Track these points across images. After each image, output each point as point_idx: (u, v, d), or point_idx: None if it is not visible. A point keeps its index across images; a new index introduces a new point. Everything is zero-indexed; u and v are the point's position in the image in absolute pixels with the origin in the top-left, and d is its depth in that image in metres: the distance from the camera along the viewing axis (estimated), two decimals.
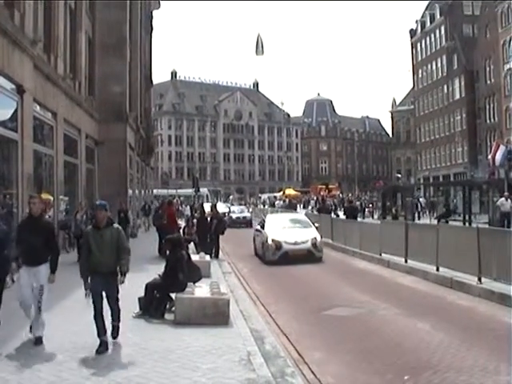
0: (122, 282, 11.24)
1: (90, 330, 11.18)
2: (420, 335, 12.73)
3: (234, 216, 57.29)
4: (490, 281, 16.89)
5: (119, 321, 11.63)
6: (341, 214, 50.90)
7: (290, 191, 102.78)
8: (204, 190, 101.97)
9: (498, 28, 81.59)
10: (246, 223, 55.58)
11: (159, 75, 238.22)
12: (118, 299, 11.48)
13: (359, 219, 40.63)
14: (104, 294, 11.18)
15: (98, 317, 11.08)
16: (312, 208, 71.54)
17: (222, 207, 70.09)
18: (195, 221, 29.83)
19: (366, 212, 65.12)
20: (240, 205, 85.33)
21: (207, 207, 68.04)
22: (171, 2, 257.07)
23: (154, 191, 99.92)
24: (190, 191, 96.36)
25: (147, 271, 18.59)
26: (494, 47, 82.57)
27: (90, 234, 11.26)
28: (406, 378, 9.83)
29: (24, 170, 22.20)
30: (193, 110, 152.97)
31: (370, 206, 70.61)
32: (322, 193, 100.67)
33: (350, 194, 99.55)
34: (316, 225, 30.48)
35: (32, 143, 23.64)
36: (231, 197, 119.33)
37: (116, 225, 11.54)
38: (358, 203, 76.08)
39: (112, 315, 11.50)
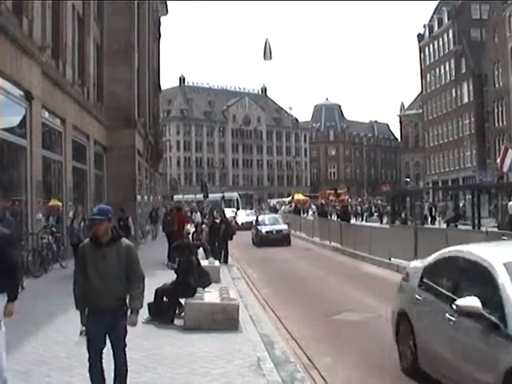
0: (134, 323, 8.06)
1: None
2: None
3: (263, 230, 42.40)
4: None
5: (126, 379, 8.33)
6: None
7: (298, 196, 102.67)
8: (234, 195, 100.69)
9: (507, 32, 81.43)
10: (281, 240, 41.20)
11: (167, 81, 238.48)
12: (125, 346, 8.25)
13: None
14: (107, 338, 8.06)
15: (96, 373, 8.07)
16: (314, 213, 71.54)
17: (243, 215, 66.53)
18: (204, 226, 29.84)
19: (375, 216, 65.03)
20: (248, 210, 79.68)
21: (228, 213, 65.71)
22: (179, 8, 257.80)
23: (180, 197, 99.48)
24: (217, 196, 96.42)
25: (157, 277, 18.57)
26: (502, 51, 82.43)
27: (88, 252, 7.91)
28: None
29: (33, 176, 22.27)
30: (201, 116, 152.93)
31: (379, 210, 70.51)
32: (330, 197, 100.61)
33: (349, 199, 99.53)
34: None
35: (41, 149, 23.71)
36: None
37: (126, 240, 8.07)
38: (364, 207, 76.41)
39: (116, 370, 8.20)
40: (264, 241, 41.12)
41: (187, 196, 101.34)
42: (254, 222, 46.90)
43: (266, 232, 42.08)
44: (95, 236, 7.89)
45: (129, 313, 8.00)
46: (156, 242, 38.97)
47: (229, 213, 67.50)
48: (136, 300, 7.93)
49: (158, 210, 47.83)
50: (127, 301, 7.96)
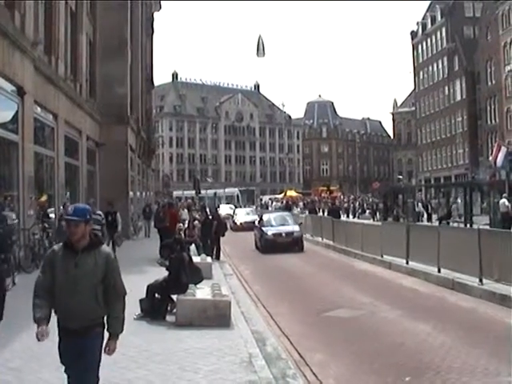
0: (111, 351, 6.68)
1: None
2: (421, 336, 12.71)
3: (269, 232, 35.10)
4: (491, 282, 16.88)
5: None
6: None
7: (291, 193, 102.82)
8: (234, 190, 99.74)
9: (499, 30, 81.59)
10: (292, 244, 34.52)
11: (160, 77, 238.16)
12: (97, 381, 6.69)
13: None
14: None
15: None
16: (301, 209, 72.28)
17: (242, 214, 60.48)
18: (196, 222, 29.83)
19: (367, 213, 65.06)
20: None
21: (225, 209, 63.09)
22: (172, 3, 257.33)
23: (180, 192, 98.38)
24: (221, 191, 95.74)
25: (148, 273, 18.61)
26: (495, 49, 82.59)
27: (58, 258, 6.51)
28: (407, 379, 9.82)
29: (25, 171, 22.21)
30: (194, 112, 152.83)
31: (372, 207, 70.52)
32: (323, 194, 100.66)
33: (342, 196, 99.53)
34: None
35: (33, 145, 23.64)
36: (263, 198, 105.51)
37: (106, 248, 6.81)
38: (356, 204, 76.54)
39: None
40: (270, 246, 34.02)
41: (187, 192, 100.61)
42: (256, 222, 39.71)
43: (273, 235, 34.67)
44: (69, 240, 6.46)
45: (106, 338, 6.58)
46: (149, 238, 38.67)
47: (226, 209, 66.07)
48: (115, 322, 6.57)
49: (151, 206, 47.20)
50: (104, 321, 6.55)
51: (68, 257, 6.36)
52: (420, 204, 56.00)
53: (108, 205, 27.78)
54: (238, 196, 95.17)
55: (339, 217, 45.39)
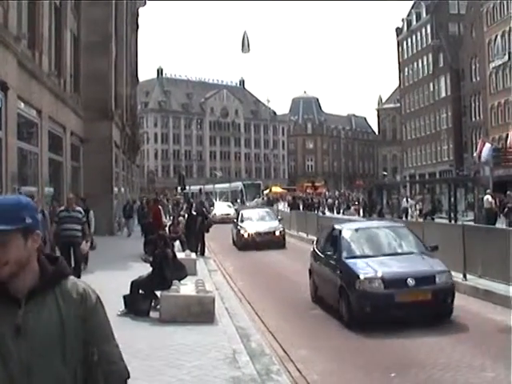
0: None
1: None
2: (406, 333, 12.71)
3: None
4: (475, 278, 16.93)
5: None
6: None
7: (276, 189, 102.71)
8: (238, 185, 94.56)
9: (484, 27, 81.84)
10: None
11: (145, 73, 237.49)
12: None
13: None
14: None
15: None
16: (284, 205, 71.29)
17: (253, 218, 59.36)
18: (181, 218, 29.78)
19: (352, 209, 65.16)
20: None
21: (222, 208, 59.56)
22: None
23: (198, 187, 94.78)
24: (226, 186, 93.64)
25: (132, 269, 18.56)
26: (479, 46, 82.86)
27: None
28: (393, 375, 9.83)
29: (8, 168, 22.05)
30: (179, 108, 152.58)
31: (356, 203, 70.65)
32: (308, 190, 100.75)
33: (327, 192, 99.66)
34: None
35: (16, 141, 23.47)
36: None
37: (78, 282, 3.20)
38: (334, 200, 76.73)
39: None
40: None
41: (194, 187, 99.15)
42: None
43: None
44: None
45: None
46: (130, 237, 37.71)
47: (223, 208, 62.10)
48: None
49: (135, 203, 45.51)
50: None
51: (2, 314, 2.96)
52: (405, 200, 56.11)
53: (81, 201, 24.59)
54: (242, 191, 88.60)
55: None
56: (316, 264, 16.73)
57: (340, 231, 15.73)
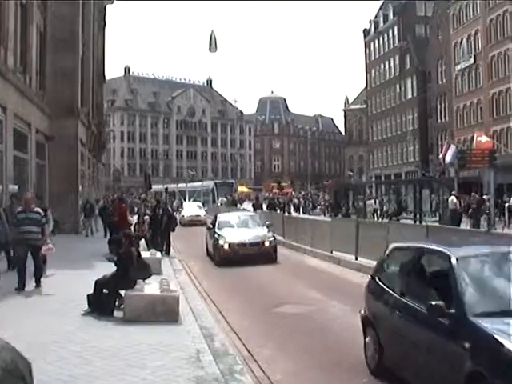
0: None
1: None
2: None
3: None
4: None
5: None
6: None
7: (242, 189, 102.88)
8: (209, 184, 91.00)
9: (450, 29, 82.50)
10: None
11: (112, 71, 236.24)
12: None
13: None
14: None
15: None
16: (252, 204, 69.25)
17: (190, 208, 55.75)
18: (146, 217, 29.69)
19: (318, 210, 65.42)
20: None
21: (191, 209, 56.14)
22: None
23: (159, 186, 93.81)
24: (198, 184, 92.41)
25: (97, 268, 18.45)
26: (445, 48, 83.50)
27: None
28: (364, 380, 9.83)
29: None
30: (146, 107, 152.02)
31: (322, 203, 70.95)
32: (274, 190, 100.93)
33: (293, 192, 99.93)
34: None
35: None
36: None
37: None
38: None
39: None
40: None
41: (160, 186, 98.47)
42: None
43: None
44: None
45: None
46: (92, 237, 36.79)
47: (192, 209, 57.27)
48: None
49: (98, 202, 44.55)
50: None
51: None
52: (373, 201, 56.44)
53: (37, 199, 23.62)
54: (213, 190, 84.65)
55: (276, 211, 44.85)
56: (385, 311, 9.95)
57: (451, 261, 8.31)
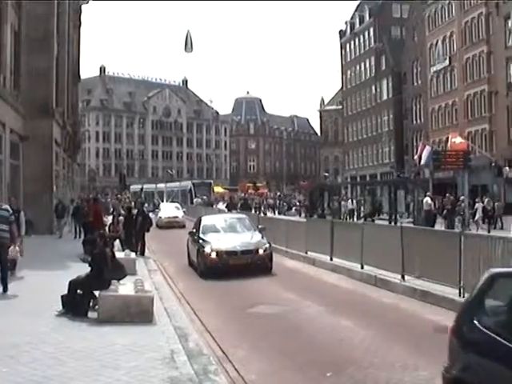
0: None
1: None
2: (344, 332, 12.87)
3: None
4: (413, 278, 17.17)
5: None
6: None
7: (218, 189, 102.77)
8: (187, 184, 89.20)
9: (426, 31, 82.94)
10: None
11: (87, 70, 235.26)
12: None
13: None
14: None
15: None
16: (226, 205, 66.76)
17: (167, 209, 53.46)
18: (121, 218, 29.60)
19: (293, 210, 65.52)
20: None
21: (169, 210, 53.30)
22: None
23: (138, 186, 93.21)
24: (176, 185, 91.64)
25: (71, 269, 18.39)
26: (421, 50, 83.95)
27: None
28: (329, 374, 9.92)
29: None
30: (121, 107, 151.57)
31: (298, 204, 71.07)
32: (249, 191, 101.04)
33: (268, 193, 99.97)
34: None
35: None
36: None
37: None
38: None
39: None
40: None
41: (147, 186, 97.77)
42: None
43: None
44: None
45: None
46: (64, 239, 35.47)
47: (170, 210, 53.99)
48: None
49: (72, 202, 43.74)
50: None
51: None
52: (350, 201, 56.58)
53: (9, 201, 23.23)
54: (191, 190, 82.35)
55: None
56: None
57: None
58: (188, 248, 25.39)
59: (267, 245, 23.14)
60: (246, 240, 23.09)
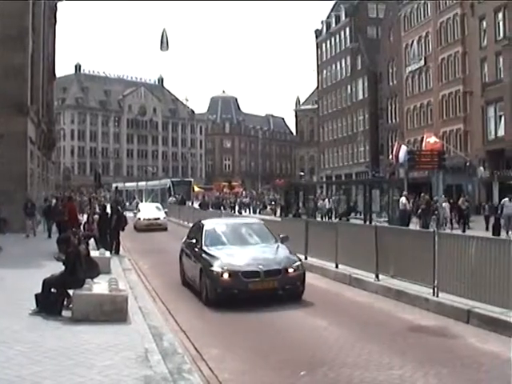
0: None
1: None
2: (318, 331, 12.90)
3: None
4: (388, 278, 17.21)
5: None
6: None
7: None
8: (166, 182, 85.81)
9: (401, 31, 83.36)
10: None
11: (63, 68, 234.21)
12: None
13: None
14: None
15: None
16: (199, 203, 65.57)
17: (147, 210, 49.15)
18: (96, 217, 29.45)
19: (268, 209, 65.53)
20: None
21: (149, 211, 49.03)
22: None
23: (120, 185, 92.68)
24: (156, 183, 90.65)
25: (45, 267, 18.28)
26: (396, 50, 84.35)
27: None
28: (302, 373, 9.94)
29: None
30: (96, 105, 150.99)
31: (273, 203, 71.10)
32: (224, 190, 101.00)
33: (243, 191, 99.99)
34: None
35: None
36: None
37: None
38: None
39: None
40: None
41: (128, 184, 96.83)
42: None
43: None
44: None
45: None
46: (34, 237, 35.03)
47: (150, 211, 49.40)
48: None
49: (46, 200, 42.48)
50: None
51: None
52: (327, 200, 56.60)
53: None
54: (170, 188, 78.21)
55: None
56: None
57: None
58: (182, 263, 19.78)
59: (298, 262, 16.91)
60: (270, 256, 16.91)
